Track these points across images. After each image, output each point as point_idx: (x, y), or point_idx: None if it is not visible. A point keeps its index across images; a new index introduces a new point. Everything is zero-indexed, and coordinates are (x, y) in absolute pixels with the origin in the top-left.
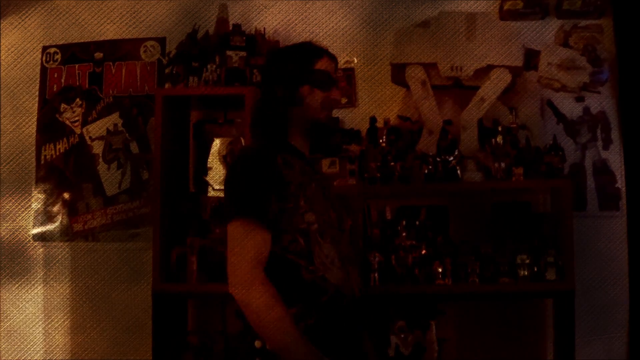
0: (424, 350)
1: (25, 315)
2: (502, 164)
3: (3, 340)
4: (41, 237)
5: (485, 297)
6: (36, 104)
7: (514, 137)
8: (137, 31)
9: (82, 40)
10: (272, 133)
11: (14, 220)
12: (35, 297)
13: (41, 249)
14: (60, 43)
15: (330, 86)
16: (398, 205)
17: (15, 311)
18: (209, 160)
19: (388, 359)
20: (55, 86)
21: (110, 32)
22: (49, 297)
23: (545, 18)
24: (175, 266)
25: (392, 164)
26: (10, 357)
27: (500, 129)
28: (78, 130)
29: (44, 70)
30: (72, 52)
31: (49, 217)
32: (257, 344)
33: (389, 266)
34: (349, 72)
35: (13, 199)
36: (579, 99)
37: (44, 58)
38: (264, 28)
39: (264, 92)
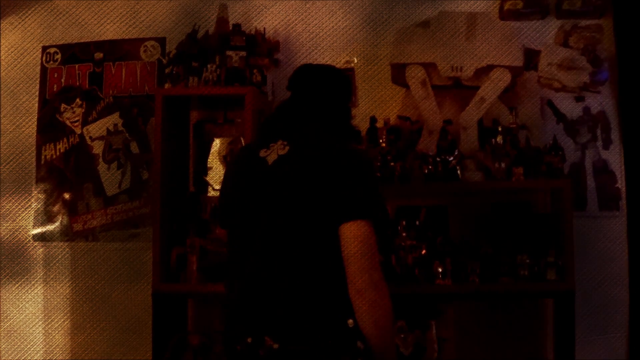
0: (424, 350)
1: (25, 315)
2: (502, 164)
3: (3, 340)
4: (41, 237)
5: (485, 297)
6: (36, 104)
7: (514, 137)
8: (137, 31)
9: (82, 40)
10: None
11: (14, 220)
12: (35, 297)
13: (41, 249)
14: (60, 43)
15: None
16: (398, 205)
17: (15, 311)
18: (209, 160)
19: None
20: (55, 86)
21: (110, 32)
22: (49, 297)
23: (545, 18)
24: (175, 266)
25: (392, 164)
26: (10, 357)
27: (500, 129)
28: (78, 130)
29: (44, 70)
30: (72, 52)
31: (49, 217)
32: (350, 322)
33: (389, 266)
34: (349, 72)
35: (13, 199)
36: (579, 99)
37: (44, 58)
38: (264, 28)
39: (338, 100)
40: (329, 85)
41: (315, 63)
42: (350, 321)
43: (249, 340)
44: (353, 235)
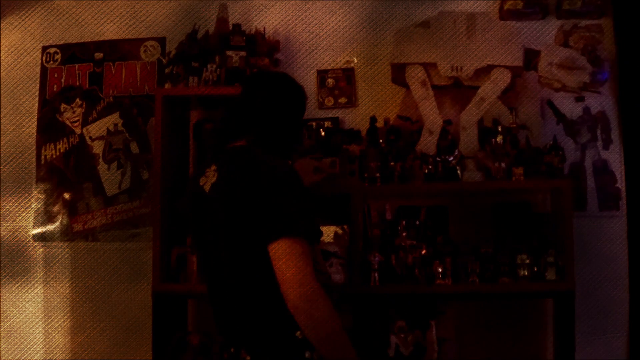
0: (424, 350)
1: (25, 315)
2: (502, 164)
3: (3, 340)
4: (41, 237)
5: (485, 297)
6: (36, 104)
7: (514, 137)
8: (137, 31)
9: (82, 40)
10: (291, 152)
11: (14, 220)
12: (35, 297)
13: (41, 249)
14: (60, 43)
15: None
16: (398, 205)
17: (15, 311)
18: None
19: (388, 359)
20: (55, 86)
21: (110, 32)
22: (49, 297)
23: (545, 18)
24: (175, 266)
25: (392, 164)
26: (10, 357)
27: (500, 129)
28: (78, 130)
29: (44, 70)
30: (72, 52)
31: (49, 217)
32: (298, 334)
33: (389, 266)
34: (349, 72)
35: (13, 199)
36: (579, 99)
37: (44, 58)
38: (264, 28)
39: (289, 112)
40: (269, 95)
41: (270, 70)
42: (298, 333)
43: (232, 350)
44: (278, 255)
